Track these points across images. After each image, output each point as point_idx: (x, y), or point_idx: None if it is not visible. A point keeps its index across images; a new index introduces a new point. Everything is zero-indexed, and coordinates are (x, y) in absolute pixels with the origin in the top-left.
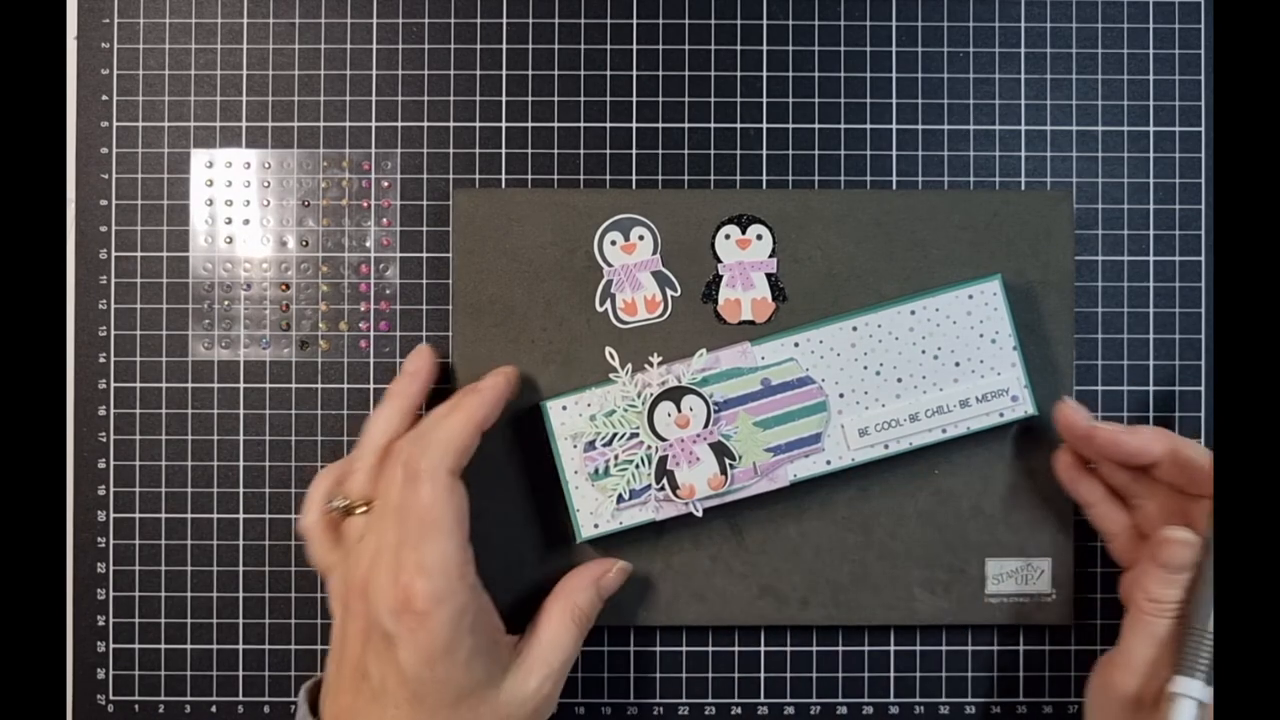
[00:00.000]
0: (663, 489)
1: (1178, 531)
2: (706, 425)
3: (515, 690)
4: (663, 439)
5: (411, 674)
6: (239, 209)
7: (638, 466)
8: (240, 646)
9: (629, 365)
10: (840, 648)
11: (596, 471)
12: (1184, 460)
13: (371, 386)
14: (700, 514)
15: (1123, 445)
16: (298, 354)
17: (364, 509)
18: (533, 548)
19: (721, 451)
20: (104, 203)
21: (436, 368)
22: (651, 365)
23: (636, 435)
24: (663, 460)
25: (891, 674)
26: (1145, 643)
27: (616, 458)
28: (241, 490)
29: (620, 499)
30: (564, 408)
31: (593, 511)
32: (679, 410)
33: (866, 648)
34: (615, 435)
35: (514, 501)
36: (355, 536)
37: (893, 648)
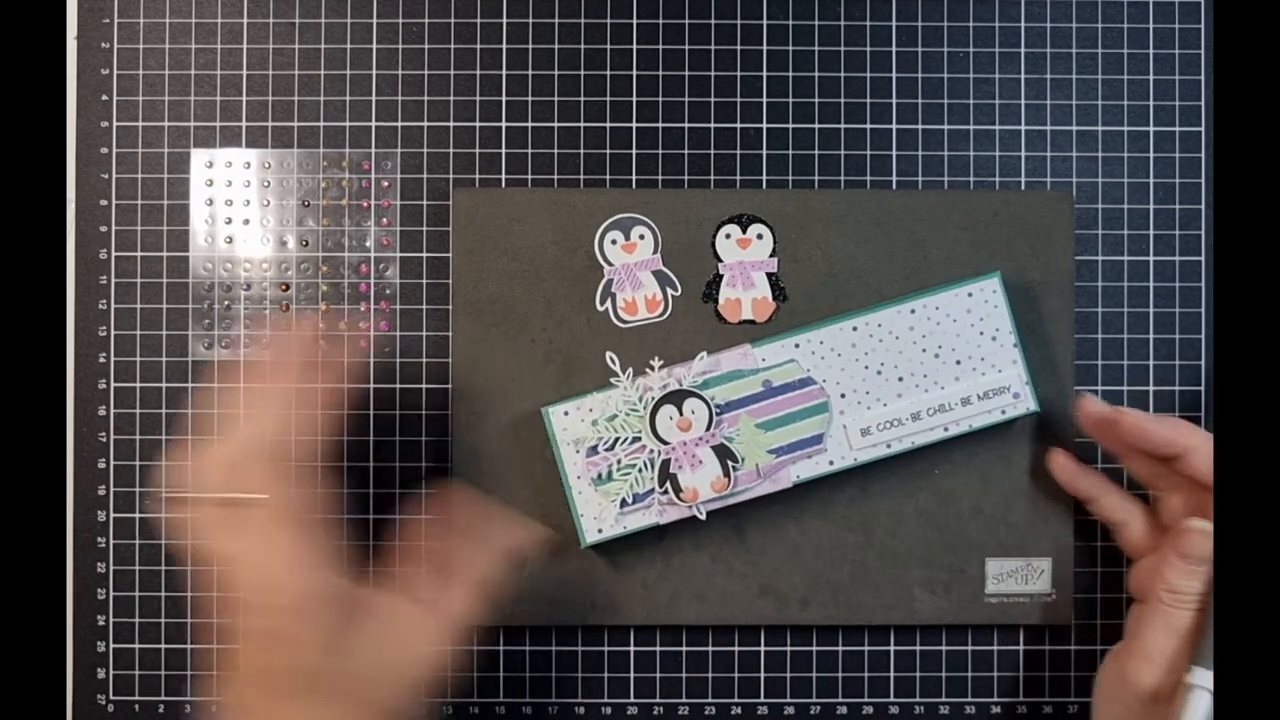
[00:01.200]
0: (666, 492)
1: (1201, 523)
2: (708, 428)
3: (388, 648)
4: (665, 442)
5: (304, 667)
6: (239, 209)
7: (640, 470)
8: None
9: (630, 369)
10: (840, 648)
11: (599, 476)
12: (1210, 454)
13: (371, 386)
14: (704, 517)
15: (1151, 435)
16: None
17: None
18: (536, 551)
19: (724, 454)
20: (104, 203)
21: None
22: (653, 369)
23: (639, 439)
24: (665, 464)
25: (891, 674)
26: (1164, 634)
27: (619, 462)
28: None
29: (624, 503)
30: (565, 413)
31: (596, 516)
32: (681, 413)
33: (866, 648)
34: (617, 440)
35: (517, 507)
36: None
37: (893, 648)
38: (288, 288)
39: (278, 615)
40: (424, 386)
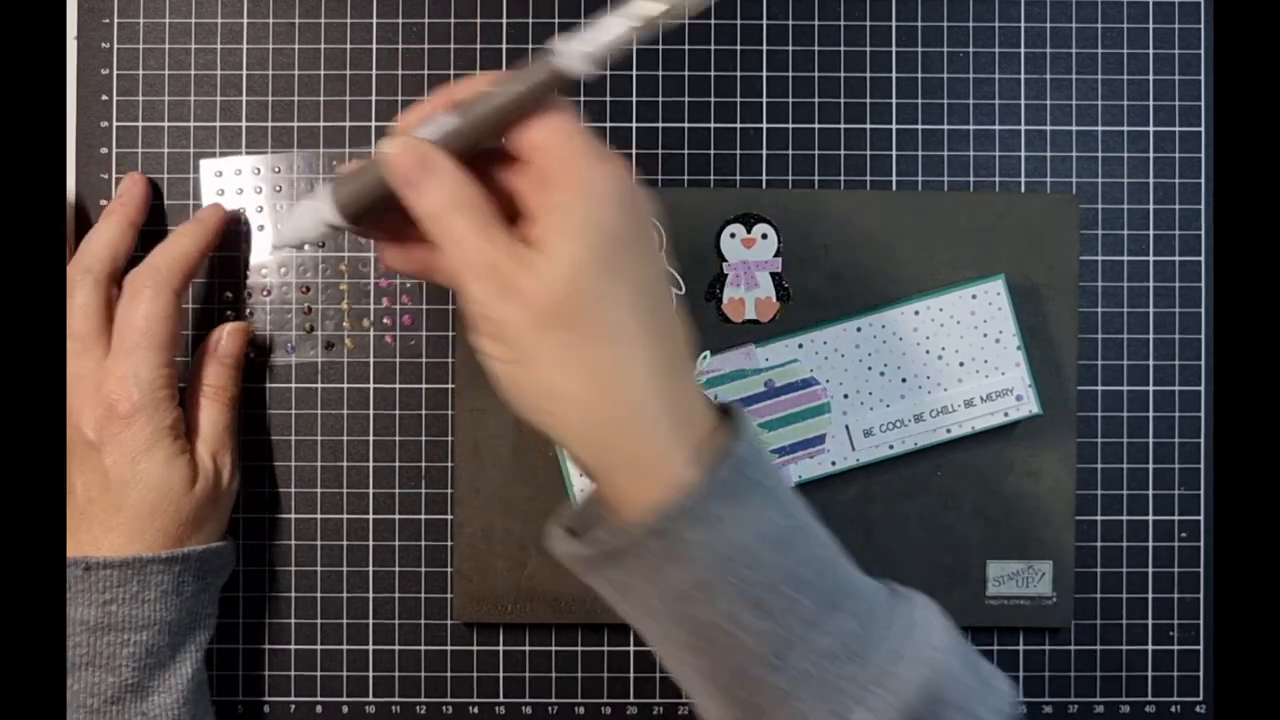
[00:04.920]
0: None
1: (386, 147)
2: None
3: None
4: None
5: (115, 476)
6: (251, 215)
7: None
8: (240, 646)
9: None
10: None
11: None
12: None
13: (371, 386)
14: None
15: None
16: (297, 356)
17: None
18: (538, 550)
19: None
20: (104, 202)
21: (148, 195)
22: None
23: None
24: None
25: None
26: (453, 254)
27: None
28: (241, 490)
29: None
30: None
31: None
32: None
33: None
34: None
35: (518, 503)
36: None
37: None
38: (308, 290)
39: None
40: (424, 386)
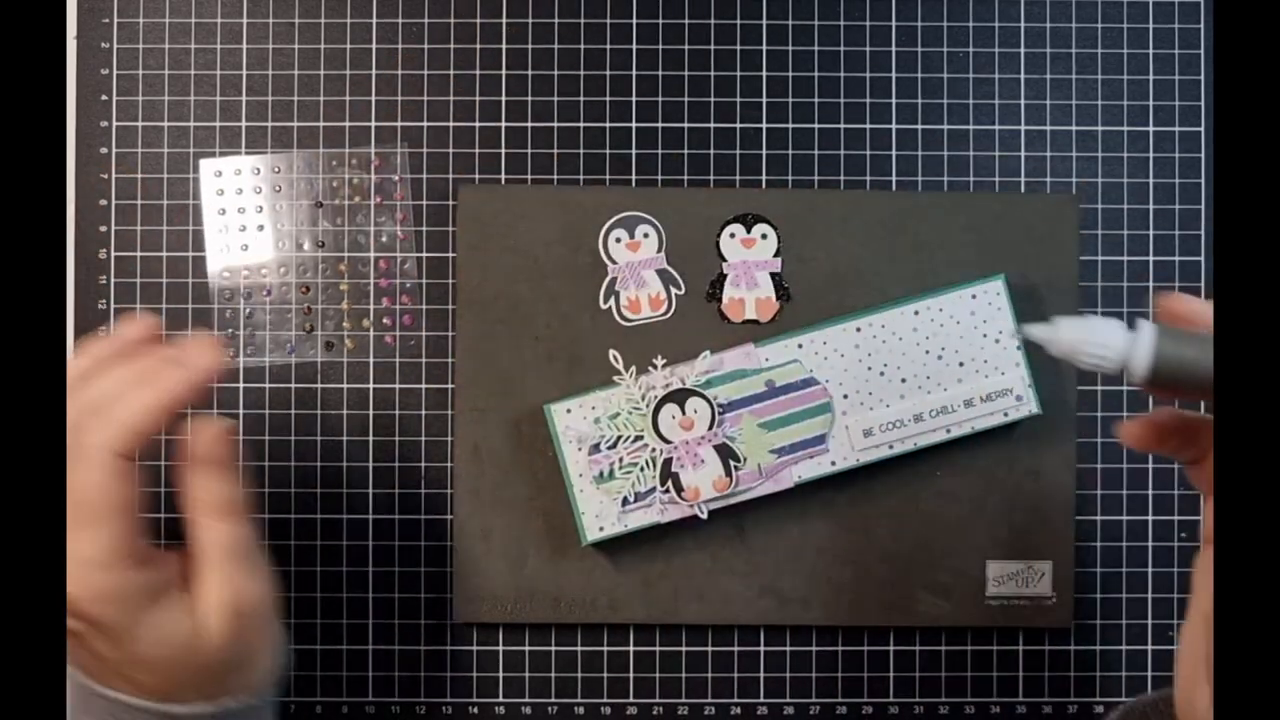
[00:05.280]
0: (667, 491)
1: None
2: (711, 427)
3: (208, 628)
4: (667, 441)
5: (112, 658)
6: (251, 215)
7: (642, 469)
8: None
9: (633, 368)
10: (840, 648)
11: (601, 475)
12: None
13: (371, 386)
14: (705, 516)
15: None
16: (297, 356)
17: None
18: (537, 550)
19: (726, 454)
20: (104, 203)
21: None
22: (656, 368)
23: (641, 438)
24: (667, 463)
25: (891, 674)
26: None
27: (621, 460)
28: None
29: (625, 502)
30: (568, 411)
31: (598, 515)
32: (683, 413)
33: (866, 648)
34: (620, 438)
35: (518, 504)
36: None
37: (893, 648)
38: (308, 290)
39: (72, 616)
40: (424, 387)
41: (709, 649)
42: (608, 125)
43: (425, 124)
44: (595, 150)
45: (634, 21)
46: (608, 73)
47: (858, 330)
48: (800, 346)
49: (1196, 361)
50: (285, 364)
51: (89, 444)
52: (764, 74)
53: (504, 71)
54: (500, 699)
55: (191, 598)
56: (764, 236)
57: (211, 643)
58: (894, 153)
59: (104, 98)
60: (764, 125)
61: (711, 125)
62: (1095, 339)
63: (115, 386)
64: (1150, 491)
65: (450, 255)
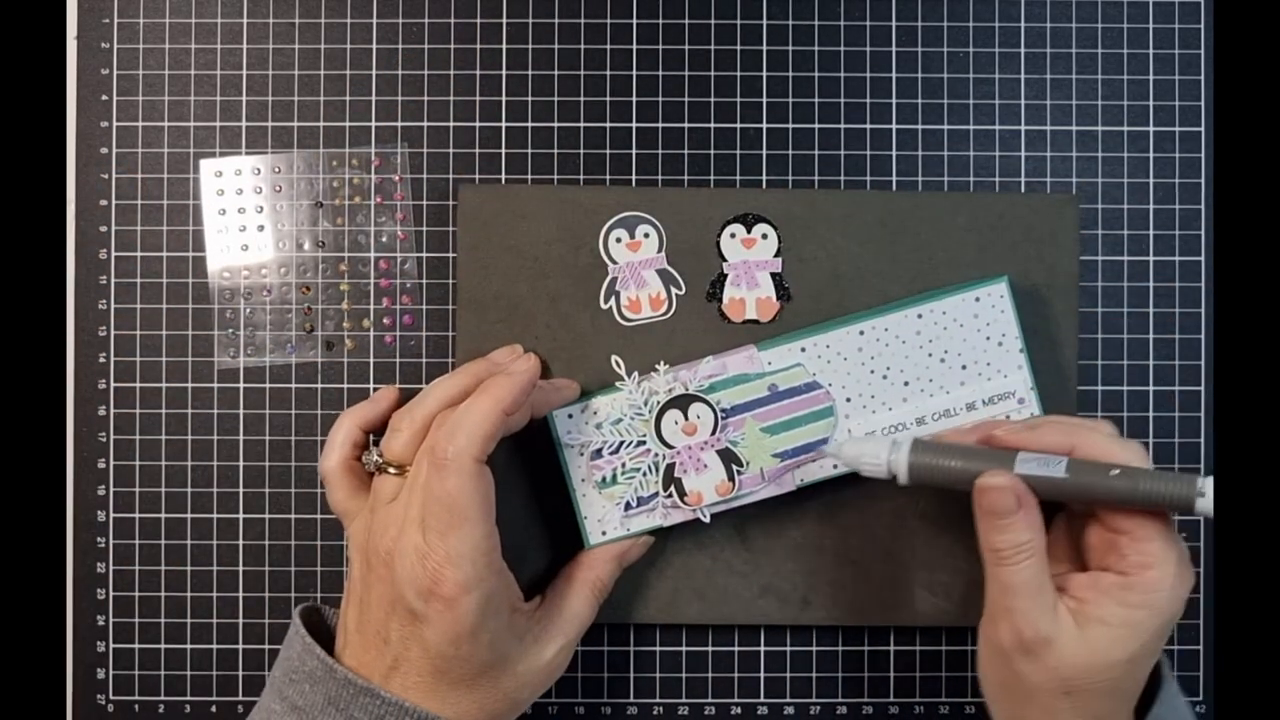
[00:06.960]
0: (670, 496)
1: (991, 478)
2: (714, 432)
3: (533, 660)
4: (670, 446)
5: (435, 651)
6: (251, 215)
7: (645, 474)
8: (240, 646)
9: (635, 372)
10: (840, 648)
11: (604, 480)
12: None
13: (371, 386)
14: (708, 521)
15: (1028, 446)
16: (297, 356)
17: (396, 472)
18: (539, 553)
19: (729, 458)
20: (104, 203)
21: (534, 375)
22: (658, 372)
23: (643, 443)
24: (670, 468)
25: (891, 674)
26: (996, 590)
27: (623, 465)
28: (241, 490)
29: (628, 506)
30: (570, 415)
31: (600, 519)
32: (686, 418)
33: (866, 648)
34: (622, 443)
35: (521, 508)
36: (386, 495)
37: (893, 648)
38: (309, 290)
39: (430, 596)
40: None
41: (709, 649)
42: (608, 125)
43: (425, 124)
44: (595, 150)
45: (634, 21)
46: (608, 73)
47: (860, 333)
48: (803, 350)
49: (950, 468)
50: (285, 364)
51: (446, 456)
52: (764, 74)
53: (504, 71)
54: None
55: (533, 624)
56: (764, 236)
57: (535, 665)
58: (894, 153)
59: (104, 98)
60: (764, 125)
61: (712, 125)
62: (867, 456)
63: (463, 404)
64: None
65: (450, 255)
